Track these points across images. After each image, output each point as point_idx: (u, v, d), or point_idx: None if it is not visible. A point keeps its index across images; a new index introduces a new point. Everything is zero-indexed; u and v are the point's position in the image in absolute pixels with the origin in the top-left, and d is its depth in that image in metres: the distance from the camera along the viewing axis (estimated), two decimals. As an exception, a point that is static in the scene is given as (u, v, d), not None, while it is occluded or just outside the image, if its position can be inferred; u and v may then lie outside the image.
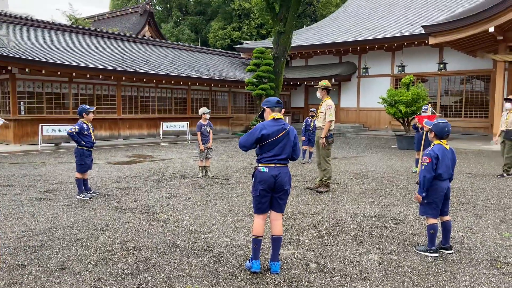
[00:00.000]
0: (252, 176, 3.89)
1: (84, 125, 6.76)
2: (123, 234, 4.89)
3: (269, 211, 3.93)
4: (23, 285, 3.50)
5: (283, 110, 3.97)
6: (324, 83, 7.46)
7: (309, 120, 11.17)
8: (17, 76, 14.76)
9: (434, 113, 9.68)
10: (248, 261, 3.92)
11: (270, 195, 3.82)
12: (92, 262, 4.01)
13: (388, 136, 20.53)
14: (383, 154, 13.50)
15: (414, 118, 12.52)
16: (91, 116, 6.91)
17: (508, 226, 5.38)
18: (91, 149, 6.90)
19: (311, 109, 11.52)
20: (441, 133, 4.27)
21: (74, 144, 6.92)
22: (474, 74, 20.57)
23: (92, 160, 6.97)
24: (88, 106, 6.93)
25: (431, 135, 4.35)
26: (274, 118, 3.85)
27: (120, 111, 17.91)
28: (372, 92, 23.14)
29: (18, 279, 3.61)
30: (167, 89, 19.95)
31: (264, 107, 3.98)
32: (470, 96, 20.82)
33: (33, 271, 3.77)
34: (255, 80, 20.41)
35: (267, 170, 3.76)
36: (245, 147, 3.82)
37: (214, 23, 37.70)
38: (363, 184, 8.16)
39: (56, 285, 3.49)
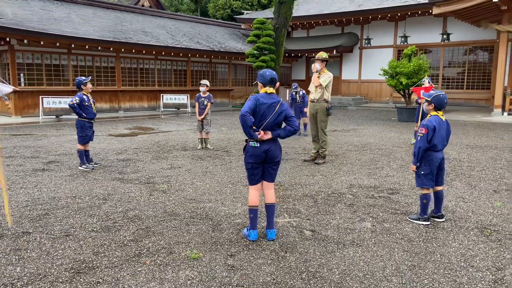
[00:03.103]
0: (244, 149, 3.96)
1: (84, 96, 6.78)
2: (125, 203, 5.03)
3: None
4: (28, 251, 3.65)
5: (278, 84, 3.95)
6: (324, 54, 7.43)
7: (294, 94, 11.53)
8: (16, 48, 14.65)
9: (431, 84, 9.65)
10: (245, 229, 4.06)
11: (261, 167, 3.92)
12: (95, 229, 4.16)
13: (388, 108, 20.47)
14: (383, 126, 13.54)
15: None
16: (89, 86, 6.91)
17: (501, 195, 5.50)
18: (92, 121, 6.96)
19: (294, 84, 11.81)
20: (441, 105, 4.30)
21: (75, 116, 6.97)
22: (477, 45, 20.29)
23: (93, 132, 7.04)
24: (83, 77, 6.92)
25: (430, 107, 4.35)
26: (266, 92, 3.89)
27: (120, 83, 17.85)
28: (374, 64, 22.90)
29: (23, 245, 3.76)
30: (167, 61, 19.79)
31: (258, 82, 4.01)
32: (472, 67, 20.61)
33: (38, 238, 3.92)
34: (255, 51, 20.15)
35: (259, 145, 3.82)
36: (247, 113, 3.67)
37: (214, -8, 36.83)
38: (361, 156, 8.26)
39: (61, 251, 3.64)
